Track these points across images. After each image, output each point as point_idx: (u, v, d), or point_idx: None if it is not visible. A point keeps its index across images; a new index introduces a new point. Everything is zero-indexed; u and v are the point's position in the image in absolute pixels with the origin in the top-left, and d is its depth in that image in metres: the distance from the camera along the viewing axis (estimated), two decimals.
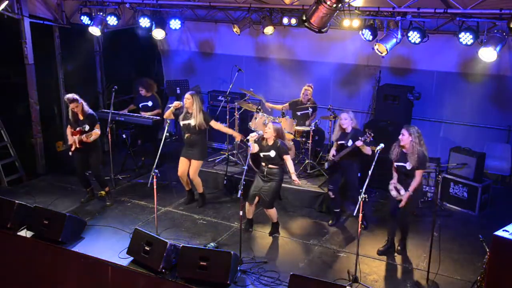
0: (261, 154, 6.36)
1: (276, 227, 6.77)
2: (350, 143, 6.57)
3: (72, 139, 7.16)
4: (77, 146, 7.15)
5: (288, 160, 6.37)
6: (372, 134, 6.28)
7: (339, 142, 6.76)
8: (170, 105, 7.21)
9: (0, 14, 7.83)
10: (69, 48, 9.45)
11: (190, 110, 7.03)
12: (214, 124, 7.27)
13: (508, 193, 8.25)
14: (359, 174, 6.82)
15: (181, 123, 7.13)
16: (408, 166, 5.92)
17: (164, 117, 7.27)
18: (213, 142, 10.13)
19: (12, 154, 8.52)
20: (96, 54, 10.35)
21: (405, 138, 5.91)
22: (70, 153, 7.34)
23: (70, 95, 7.07)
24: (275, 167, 6.36)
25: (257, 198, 6.51)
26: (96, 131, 7.18)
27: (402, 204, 5.90)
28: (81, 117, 7.15)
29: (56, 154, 9.15)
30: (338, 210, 7.10)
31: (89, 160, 7.33)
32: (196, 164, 7.22)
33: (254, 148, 6.36)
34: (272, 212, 6.59)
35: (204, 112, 7.16)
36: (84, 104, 7.17)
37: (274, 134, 6.29)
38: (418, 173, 5.88)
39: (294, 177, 6.38)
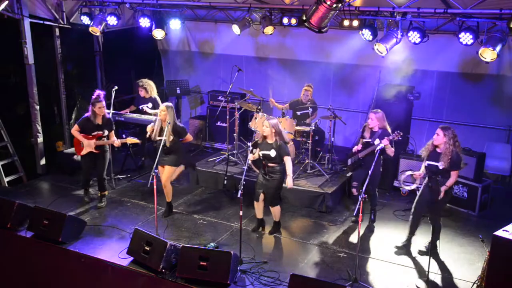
0: (261, 153, 6.34)
1: (278, 226, 6.78)
2: (377, 142, 6.58)
3: (88, 143, 7.07)
4: (94, 151, 7.11)
5: (288, 161, 6.32)
6: (401, 134, 6.30)
7: (365, 140, 6.77)
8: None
9: (0, 14, 7.83)
10: (69, 48, 9.45)
11: (164, 124, 6.73)
12: (189, 138, 7.02)
13: (508, 193, 8.25)
14: (380, 169, 6.82)
15: (158, 138, 6.83)
16: (441, 166, 5.85)
17: (148, 134, 7.00)
18: (213, 142, 10.15)
19: (12, 154, 8.52)
20: (96, 54, 10.37)
21: (440, 138, 5.86)
22: (75, 157, 7.29)
23: (101, 93, 7.00)
24: (275, 165, 6.34)
25: (262, 195, 6.50)
26: (133, 139, 7.23)
27: (441, 196, 5.86)
28: (100, 122, 7.09)
29: (56, 154, 9.16)
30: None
31: (98, 163, 7.30)
32: (169, 170, 6.95)
33: (255, 155, 6.33)
34: (276, 210, 6.59)
35: (178, 125, 6.87)
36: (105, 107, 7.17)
37: (273, 130, 6.26)
38: (454, 174, 5.85)
39: (289, 180, 6.35)
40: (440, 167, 5.86)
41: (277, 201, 6.54)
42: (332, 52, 9.41)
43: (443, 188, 5.84)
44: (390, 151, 6.46)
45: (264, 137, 6.35)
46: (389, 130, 6.68)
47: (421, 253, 6.26)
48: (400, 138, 6.34)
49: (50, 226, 6.35)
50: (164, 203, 7.59)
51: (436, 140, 5.90)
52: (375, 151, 5.95)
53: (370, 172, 5.77)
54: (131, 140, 7.33)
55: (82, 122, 7.12)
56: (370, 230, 6.94)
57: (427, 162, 6.02)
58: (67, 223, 6.31)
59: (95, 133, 7.08)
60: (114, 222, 7.00)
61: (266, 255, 6.22)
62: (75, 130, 7.13)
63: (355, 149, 6.91)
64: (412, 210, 6.22)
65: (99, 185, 7.51)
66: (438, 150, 5.92)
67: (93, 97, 7.03)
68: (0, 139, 8.47)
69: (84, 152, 7.17)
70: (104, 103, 7.06)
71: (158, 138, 6.84)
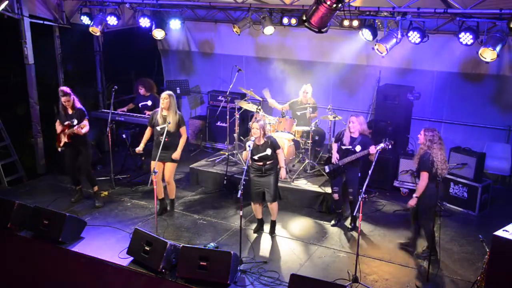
0: (257, 157, 6.35)
1: (274, 225, 6.79)
2: (358, 148, 6.53)
3: (62, 133, 7.18)
4: (66, 140, 7.18)
5: (281, 154, 6.46)
6: (393, 142, 6.20)
7: (344, 147, 6.71)
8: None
9: (0, 14, 7.84)
10: (69, 48, 9.46)
11: (167, 112, 6.79)
12: (183, 131, 7.01)
13: (508, 193, 8.25)
14: (359, 174, 6.81)
15: (158, 128, 6.84)
16: (414, 167, 5.97)
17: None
18: (213, 142, 10.15)
19: (12, 154, 8.52)
20: (96, 54, 10.37)
21: (421, 138, 5.95)
22: (59, 149, 7.34)
23: (65, 88, 7.14)
24: (271, 162, 6.41)
25: (260, 196, 6.52)
26: (85, 123, 7.11)
27: (410, 204, 5.89)
28: (70, 111, 7.19)
29: (56, 154, 9.15)
30: (340, 211, 7.10)
31: (79, 157, 7.34)
32: (171, 166, 7.00)
33: (246, 156, 6.35)
34: (275, 207, 6.61)
35: (179, 114, 6.94)
36: (76, 99, 7.22)
37: (262, 132, 6.31)
38: (422, 175, 5.81)
39: (283, 172, 6.50)
40: (414, 168, 5.95)
41: (277, 196, 6.58)
42: (332, 52, 9.40)
43: (413, 199, 5.82)
44: (373, 157, 6.25)
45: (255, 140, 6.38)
46: (369, 135, 6.64)
47: (418, 256, 6.24)
48: (391, 148, 6.21)
49: (50, 226, 6.35)
50: (158, 216, 7.53)
51: (419, 140, 5.99)
52: (375, 154, 5.93)
53: (369, 172, 5.74)
54: (84, 124, 7.15)
55: (59, 114, 7.31)
56: (370, 230, 6.94)
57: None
58: (67, 223, 6.31)
59: (66, 123, 7.16)
60: (114, 222, 7.00)
61: (266, 255, 6.23)
62: (57, 124, 7.28)
63: (334, 160, 6.76)
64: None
65: (89, 182, 7.54)
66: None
67: (59, 90, 7.17)
68: (0, 139, 8.47)
69: (61, 143, 7.25)
70: (69, 97, 7.08)
71: (159, 127, 6.82)
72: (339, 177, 6.83)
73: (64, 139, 7.20)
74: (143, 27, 8.77)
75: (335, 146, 6.88)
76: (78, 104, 7.24)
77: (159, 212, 7.14)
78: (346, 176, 6.77)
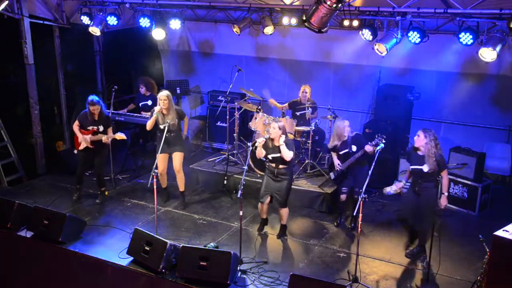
0: (270, 157, 6.31)
1: (284, 229, 6.75)
2: (354, 148, 6.53)
3: (83, 138, 7.21)
4: (89, 146, 7.22)
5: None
6: (384, 137, 6.16)
7: (341, 152, 6.72)
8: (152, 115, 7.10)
9: (0, 14, 7.83)
10: (69, 48, 9.46)
11: (166, 111, 7.00)
12: (186, 120, 7.43)
13: (508, 193, 8.25)
14: (368, 173, 6.75)
15: (161, 126, 6.99)
16: (425, 168, 5.86)
17: (148, 128, 7.14)
18: (213, 142, 10.15)
19: (12, 154, 8.52)
20: (96, 54, 10.38)
21: (420, 139, 5.88)
22: (76, 151, 7.40)
23: (94, 98, 7.16)
24: (285, 167, 6.33)
25: (268, 198, 6.49)
26: (121, 135, 7.31)
27: (442, 206, 5.91)
28: (96, 118, 7.24)
29: (56, 154, 9.15)
30: (343, 211, 7.11)
31: (95, 159, 7.41)
32: (179, 156, 7.24)
33: (261, 153, 6.33)
34: (285, 212, 6.57)
35: (177, 108, 7.25)
36: (103, 106, 7.33)
37: (280, 133, 6.27)
38: (444, 174, 5.90)
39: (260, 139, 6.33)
40: (425, 170, 5.87)
41: (287, 202, 6.50)
42: (332, 52, 9.40)
43: (443, 198, 5.84)
44: (371, 151, 6.36)
45: (271, 140, 6.33)
46: (351, 134, 6.65)
47: (408, 255, 6.26)
48: (385, 142, 6.13)
49: (50, 226, 6.35)
50: (164, 203, 7.60)
51: (417, 142, 5.93)
52: (372, 154, 5.94)
53: (369, 172, 5.74)
54: (119, 136, 7.35)
55: (81, 116, 7.33)
56: (370, 230, 6.94)
57: (411, 167, 6.07)
58: (67, 223, 6.31)
59: (90, 128, 7.21)
60: (114, 222, 7.00)
61: (266, 255, 6.23)
62: (75, 125, 7.34)
63: (337, 167, 6.83)
64: (401, 218, 6.29)
65: (98, 181, 7.58)
66: (419, 152, 5.95)
67: (89, 99, 7.17)
68: (0, 139, 8.47)
69: (81, 147, 7.28)
70: (98, 105, 7.16)
71: (162, 125, 6.95)
72: (346, 180, 6.85)
73: (85, 144, 7.22)
74: (143, 27, 8.77)
75: (334, 154, 6.89)
76: (106, 111, 7.35)
77: (164, 200, 7.55)
78: (355, 177, 6.76)
